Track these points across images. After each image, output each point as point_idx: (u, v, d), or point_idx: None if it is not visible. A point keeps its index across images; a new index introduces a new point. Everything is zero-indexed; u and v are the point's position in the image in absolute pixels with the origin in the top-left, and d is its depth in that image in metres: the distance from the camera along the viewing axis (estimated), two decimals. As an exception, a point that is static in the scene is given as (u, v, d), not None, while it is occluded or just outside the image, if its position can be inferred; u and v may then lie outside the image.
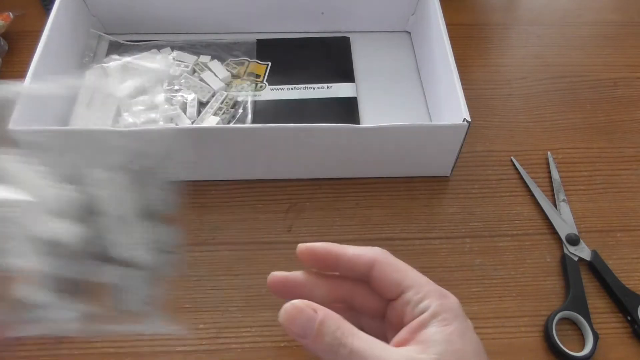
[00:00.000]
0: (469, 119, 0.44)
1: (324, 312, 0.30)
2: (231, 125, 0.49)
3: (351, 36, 0.59)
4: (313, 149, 0.46)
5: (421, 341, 0.29)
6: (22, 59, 0.49)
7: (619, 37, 0.63)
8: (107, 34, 0.58)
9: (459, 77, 0.46)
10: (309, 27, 0.58)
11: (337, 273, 0.35)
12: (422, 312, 0.30)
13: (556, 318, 0.42)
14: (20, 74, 0.46)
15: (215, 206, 0.47)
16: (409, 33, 0.60)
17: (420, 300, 0.31)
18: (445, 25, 0.50)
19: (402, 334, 0.30)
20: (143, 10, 0.56)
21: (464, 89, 0.45)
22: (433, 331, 0.29)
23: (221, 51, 0.56)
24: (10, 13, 0.57)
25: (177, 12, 0.57)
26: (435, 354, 0.28)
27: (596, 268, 0.45)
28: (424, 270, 0.44)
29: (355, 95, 0.54)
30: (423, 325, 0.30)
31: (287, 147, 0.46)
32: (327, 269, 0.35)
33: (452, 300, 0.31)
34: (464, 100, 0.45)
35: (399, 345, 0.30)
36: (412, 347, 0.29)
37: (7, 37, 0.57)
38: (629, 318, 0.43)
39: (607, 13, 0.65)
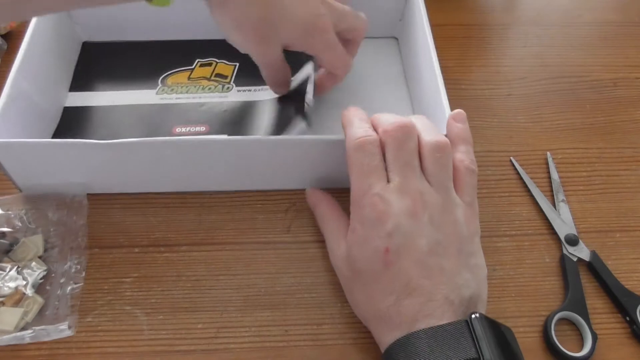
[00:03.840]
0: None
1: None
2: (227, 137, 0.46)
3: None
4: (301, 160, 0.45)
5: None
6: (21, 58, 0.49)
7: (619, 37, 0.63)
8: (90, 41, 0.56)
9: (443, 83, 0.45)
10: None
11: None
12: None
13: (555, 318, 0.42)
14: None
15: (213, 206, 0.47)
16: (397, 39, 0.59)
17: None
18: (430, 30, 0.49)
19: None
20: (122, 16, 0.54)
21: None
22: None
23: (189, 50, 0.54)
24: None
25: (155, 18, 0.53)
26: None
27: (595, 268, 0.45)
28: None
29: None
30: None
31: (271, 158, 0.44)
32: None
33: None
34: (448, 108, 0.43)
35: None
36: None
37: (5, 36, 0.57)
38: (627, 318, 0.43)
39: (607, 13, 0.65)
